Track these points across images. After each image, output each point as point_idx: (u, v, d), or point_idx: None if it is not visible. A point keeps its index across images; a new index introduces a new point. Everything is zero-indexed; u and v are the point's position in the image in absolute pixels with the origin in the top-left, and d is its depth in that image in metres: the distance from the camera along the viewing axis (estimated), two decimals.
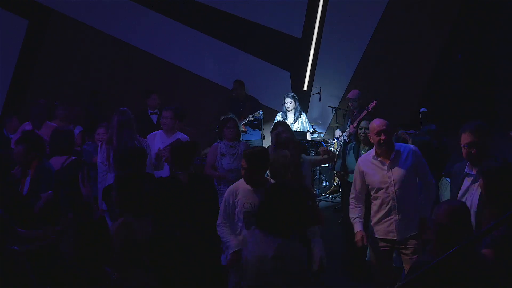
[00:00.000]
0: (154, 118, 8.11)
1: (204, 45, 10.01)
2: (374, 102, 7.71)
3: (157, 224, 4.46)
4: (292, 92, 9.06)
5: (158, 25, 9.90)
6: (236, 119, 6.70)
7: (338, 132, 8.60)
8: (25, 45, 9.78)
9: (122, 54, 9.90)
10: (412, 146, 4.87)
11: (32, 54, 9.84)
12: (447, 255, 2.66)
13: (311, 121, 9.11)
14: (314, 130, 9.05)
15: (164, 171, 6.14)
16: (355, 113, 8.14)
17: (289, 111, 8.57)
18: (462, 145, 4.04)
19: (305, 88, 10.01)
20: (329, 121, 9.93)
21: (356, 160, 5.94)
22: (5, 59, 9.64)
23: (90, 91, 9.28)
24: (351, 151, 6.05)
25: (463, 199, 4.01)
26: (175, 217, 4.33)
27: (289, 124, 8.28)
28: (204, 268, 4.20)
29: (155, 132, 6.61)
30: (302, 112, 8.63)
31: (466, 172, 4.12)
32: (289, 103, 8.41)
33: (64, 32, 9.79)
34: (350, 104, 8.38)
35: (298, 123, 8.53)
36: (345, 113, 8.97)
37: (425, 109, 7.55)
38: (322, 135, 9.65)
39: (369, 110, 7.67)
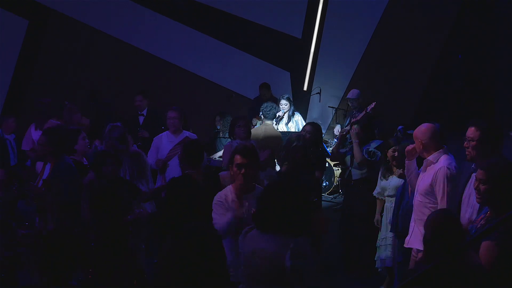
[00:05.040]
0: (141, 119, 7.91)
1: (204, 45, 10.02)
2: (373, 103, 7.69)
3: (172, 223, 4.41)
4: (292, 92, 9.03)
5: (158, 25, 9.90)
6: (247, 118, 6.64)
7: (338, 127, 8.58)
8: (25, 45, 9.78)
9: (121, 54, 9.90)
10: (446, 163, 4.14)
11: (32, 54, 9.84)
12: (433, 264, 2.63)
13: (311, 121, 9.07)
14: None
15: (173, 172, 5.99)
16: (354, 112, 8.13)
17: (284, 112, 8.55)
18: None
19: (305, 88, 10.01)
20: (329, 121, 9.93)
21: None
22: (5, 59, 9.63)
23: (90, 91, 9.27)
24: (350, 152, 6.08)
25: (469, 194, 3.89)
26: (190, 216, 4.25)
27: (283, 124, 8.29)
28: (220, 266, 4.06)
29: (161, 134, 6.52)
30: (296, 112, 8.60)
31: (473, 167, 3.95)
32: (284, 105, 8.38)
33: (64, 32, 9.79)
34: (350, 104, 8.38)
35: (292, 122, 8.52)
36: (345, 113, 8.96)
37: (403, 126, 7.53)
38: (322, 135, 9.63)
39: (367, 111, 7.64)
